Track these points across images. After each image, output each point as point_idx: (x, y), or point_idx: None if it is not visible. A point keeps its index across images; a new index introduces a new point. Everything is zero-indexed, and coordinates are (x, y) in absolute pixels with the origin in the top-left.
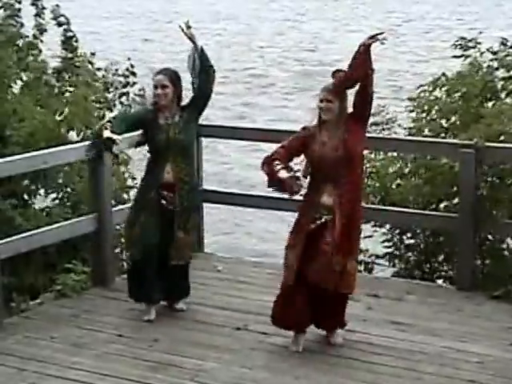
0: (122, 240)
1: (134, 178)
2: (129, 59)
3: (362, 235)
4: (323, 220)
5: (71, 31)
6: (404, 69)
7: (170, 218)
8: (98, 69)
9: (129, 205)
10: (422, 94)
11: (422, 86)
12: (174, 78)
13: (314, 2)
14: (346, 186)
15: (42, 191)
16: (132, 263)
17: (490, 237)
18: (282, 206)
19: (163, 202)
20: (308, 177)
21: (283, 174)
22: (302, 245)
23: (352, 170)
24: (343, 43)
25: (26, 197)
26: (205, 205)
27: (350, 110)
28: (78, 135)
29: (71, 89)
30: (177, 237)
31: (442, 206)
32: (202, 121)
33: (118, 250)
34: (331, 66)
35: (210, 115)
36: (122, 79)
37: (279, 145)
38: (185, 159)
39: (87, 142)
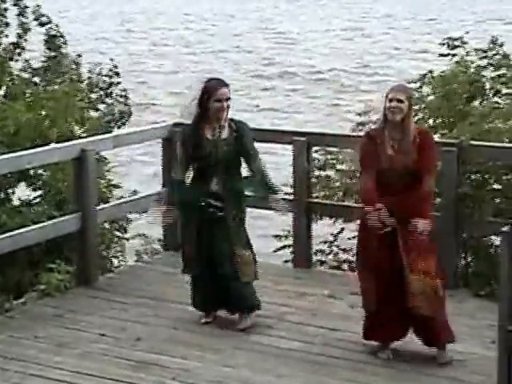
0: (105, 239)
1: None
2: (111, 60)
3: (347, 234)
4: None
5: (54, 30)
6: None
7: (223, 229)
8: (89, 71)
9: (113, 203)
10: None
11: (408, 82)
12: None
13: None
14: (412, 195)
15: (23, 187)
16: (192, 277)
17: (473, 235)
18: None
19: (211, 210)
20: None
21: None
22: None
23: (417, 181)
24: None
25: (7, 193)
26: None
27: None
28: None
29: (56, 87)
30: (238, 254)
31: None
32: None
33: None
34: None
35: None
36: (106, 79)
37: (364, 175)
38: (232, 172)
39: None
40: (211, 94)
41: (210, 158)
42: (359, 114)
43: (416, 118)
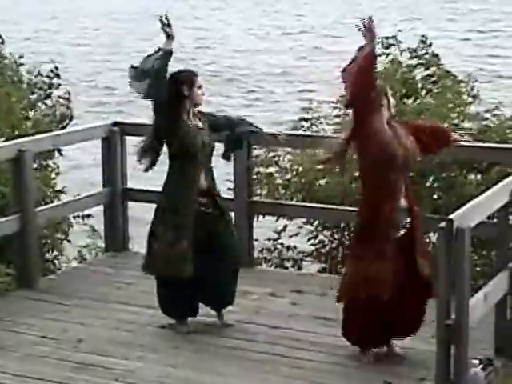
0: (46, 241)
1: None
2: (53, 62)
3: (289, 232)
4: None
5: None
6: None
7: (215, 224)
8: (28, 72)
9: (53, 204)
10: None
11: None
12: None
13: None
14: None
15: None
16: (175, 280)
17: None
18: None
19: (202, 208)
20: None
21: None
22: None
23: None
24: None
25: None
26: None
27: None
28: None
29: None
30: (229, 241)
31: None
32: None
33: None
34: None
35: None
36: (46, 79)
37: None
38: (211, 164)
39: None
40: (193, 82)
41: (196, 146)
42: (304, 109)
43: None
